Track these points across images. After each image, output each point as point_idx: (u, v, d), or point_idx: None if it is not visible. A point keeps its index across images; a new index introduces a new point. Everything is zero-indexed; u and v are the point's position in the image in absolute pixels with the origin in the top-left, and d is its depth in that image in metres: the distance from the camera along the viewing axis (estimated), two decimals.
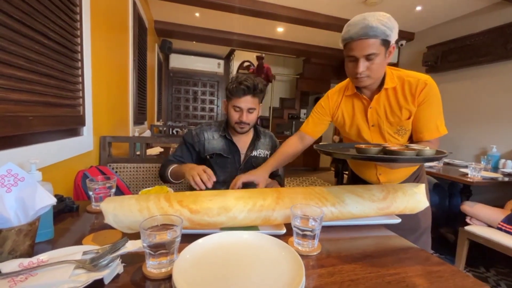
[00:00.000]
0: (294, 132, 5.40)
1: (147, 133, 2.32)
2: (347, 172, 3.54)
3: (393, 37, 0.82)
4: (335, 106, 1.03)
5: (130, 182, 1.34)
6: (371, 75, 0.85)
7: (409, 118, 0.90)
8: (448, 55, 2.90)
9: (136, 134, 2.11)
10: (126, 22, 1.88)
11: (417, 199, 0.79)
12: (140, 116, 2.38)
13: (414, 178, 1.03)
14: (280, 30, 3.68)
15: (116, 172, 1.30)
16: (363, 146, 0.71)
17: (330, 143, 0.99)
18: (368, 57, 0.82)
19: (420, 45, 3.31)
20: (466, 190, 2.09)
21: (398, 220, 0.78)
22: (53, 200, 0.53)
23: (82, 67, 0.98)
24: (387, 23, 0.79)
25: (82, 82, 0.99)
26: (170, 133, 3.43)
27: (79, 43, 0.95)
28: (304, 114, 5.92)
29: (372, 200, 0.75)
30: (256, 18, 2.98)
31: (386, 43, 0.81)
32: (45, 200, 0.51)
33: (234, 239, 0.57)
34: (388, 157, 0.62)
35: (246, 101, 1.08)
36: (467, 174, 1.91)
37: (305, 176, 5.03)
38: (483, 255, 1.91)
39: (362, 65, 0.83)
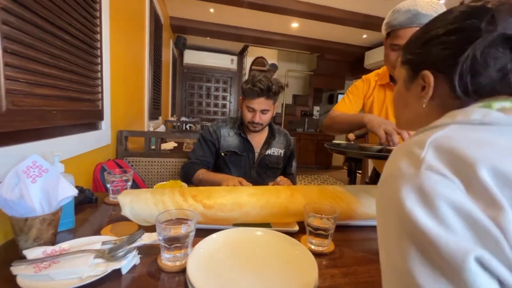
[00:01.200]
0: (307, 129, 5.28)
1: (162, 128, 2.37)
2: (360, 171, 3.46)
3: None
4: (369, 91, 1.01)
5: (144, 175, 1.38)
6: None
7: None
8: None
9: (151, 129, 2.16)
10: (142, 19, 1.91)
11: None
12: (155, 111, 2.43)
13: None
14: (294, 25, 3.62)
15: (132, 165, 1.34)
16: (366, 145, 0.72)
17: (340, 142, 0.98)
18: None
19: None
20: None
21: None
22: (75, 192, 0.55)
23: (101, 63, 1.01)
24: (440, 11, 0.75)
25: (101, 78, 1.02)
26: (184, 128, 3.48)
27: (98, 39, 0.98)
28: (317, 111, 5.83)
29: None
30: (270, 13, 2.95)
31: None
32: (67, 191, 0.53)
33: (248, 236, 0.58)
34: (384, 154, 0.63)
35: (260, 103, 1.07)
36: None
37: (316, 174, 4.98)
38: None
39: None
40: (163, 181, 1.39)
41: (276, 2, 2.71)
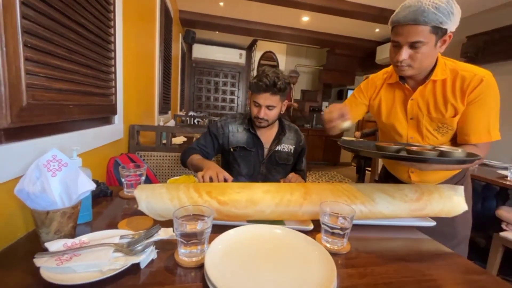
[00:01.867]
0: (315, 125, 5.22)
1: (171, 123, 2.39)
2: (369, 168, 3.42)
3: (451, 24, 0.73)
4: (375, 91, 0.97)
5: (156, 170, 1.39)
6: (413, 65, 0.78)
7: (454, 116, 0.81)
8: (491, 46, 2.65)
9: (161, 123, 2.17)
10: (153, 13, 1.91)
11: (455, 202, 0.74)
12: (164, 106, 2.44)
13: (455, 183, 0.94)
14: (305, 19, 3.56)
15: (144, 159, 1.35)
16: (383, 144, 0.68)
17: (354, 140, 0.95)
18: (412, 45, 0.75)
19: (459, 35, 3.04)
20: (503, 194, 1.94)
21: (433, 223, 0.74)
22: (93, 186, 0.55)
23: (115, 57, 1.01)
24: (442, 8, 0.71)
25: (115, 72, 1.03)
26: (192, 123, 3.49)
27: (112, 34, 0.98)
28: (326, 107, 5.76)
29: (404, 200, 0.72)
30: (281, 7, 2.90)
31: (438, 31, 0.73)
32: (86, 185, 0.54)
33: (266, 233, 0.57)
34: (410, 156, 0.60)
35: (265, 98, 1.06)
36: (506, 176, 1.77)
37: (324, 171, 4.94)
38: None
39: (404, 53, 0.76)
40: (174, 175, 1.41)
41: None
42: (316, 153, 5.24)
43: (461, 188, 0.76)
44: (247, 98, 5.64)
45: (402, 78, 0.89)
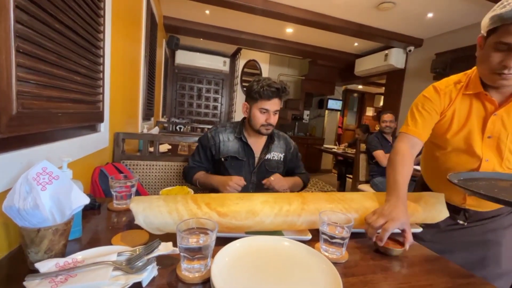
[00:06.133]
0: (297, 132, 5.32)
1: (156, 130, 2.32)
2: (351, 176, 3.54)
3: None
4: (448, 102, 0.81)
5: (142, 179, 1.34)
6: None
7: None
8: (457, 63, 2.91)
9: (145, 130, 2.11)
10: (140, 18, 1.87)
11: (438, 209, 0.79)
12: (148, 112, 2.37)
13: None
14: (289, 30, 3.67)
15: (129, 169, 1.30)
16: None
17: (465, 172, 0.77)
18: None
19: (429, 52, 3.31)
20: None
21: (419, 230, 0.78)
22: (87, 200, 0.52)
23: (103, 63, 0.98)
24: None
25: (103, 78, 0.99)
26: (174, 129, 3.41)
27: (102, 39, 0.94)
28: (307, 115, 5.92)
29: None
30: (266, 18, 2.97)
31: None
32: (81, 199, 0.51)
33: (270, 244, 0.57)
34: None
35: (274, 103, 1.10)
36: None
37: None
38: None
39: None
40: (162, 185, 1.36)
41: (274, 7, 2.73)
42: None
43: (442, 196, 0.82)
44: (230, 106, 5.64)
45: (486, 88, 0.75)
